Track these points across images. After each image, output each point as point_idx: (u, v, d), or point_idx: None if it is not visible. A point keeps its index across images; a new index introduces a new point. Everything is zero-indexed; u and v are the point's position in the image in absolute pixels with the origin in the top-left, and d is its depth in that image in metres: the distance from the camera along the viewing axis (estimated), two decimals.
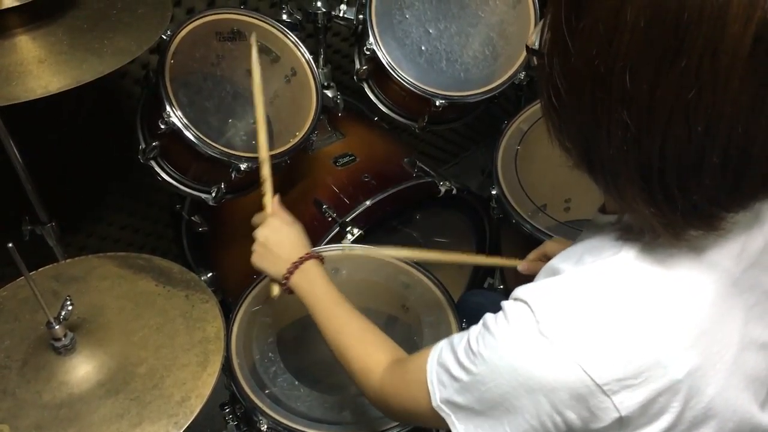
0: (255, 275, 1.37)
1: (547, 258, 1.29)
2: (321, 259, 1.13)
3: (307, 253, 1.10)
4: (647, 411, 0.67)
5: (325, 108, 1.64)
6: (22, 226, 1.48)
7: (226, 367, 1.21)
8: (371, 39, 1.55)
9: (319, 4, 1.64)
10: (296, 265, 1.08)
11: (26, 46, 1.14)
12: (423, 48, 1.64)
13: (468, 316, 1.33)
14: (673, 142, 0.58)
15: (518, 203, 1.57)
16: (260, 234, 1.13)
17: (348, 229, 1.50)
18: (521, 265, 1.28)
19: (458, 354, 0.75)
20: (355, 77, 1.67)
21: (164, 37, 1.33)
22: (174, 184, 1.48)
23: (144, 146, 1.43)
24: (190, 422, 0.93)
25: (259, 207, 1.20)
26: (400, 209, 1.61)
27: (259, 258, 1.13)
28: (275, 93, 1.58)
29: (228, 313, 1.22)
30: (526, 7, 1.62)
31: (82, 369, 0.99)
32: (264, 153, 1.22)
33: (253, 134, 1.50)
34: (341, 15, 1.65)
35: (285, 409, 1.19)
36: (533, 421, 0.69)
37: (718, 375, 0.68)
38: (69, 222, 1.71)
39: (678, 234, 0.65)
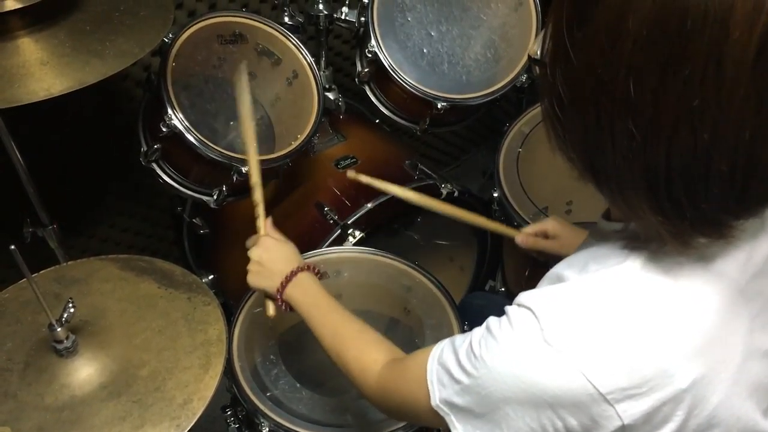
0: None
1: (546, 235, 1.29)
2: (315, 271, 1.13)
3: (298, 266, 1.11)
4: (651, 420, 0.66)
5: (326, 110, 1.65)
6: (24, 229, 1.48)
7: (228, 370, 1.21)
8: (373, 41, 1.55)
9: (320, 6, 1.64)
10: (289, 278, 1.09)
11: (29, 48, 1.14)
12: (425, 50, 1.64)
13: (469, 319, 1.33)
14: (680, 150, 0.58)
15: (520, 206, 1.57)
16: (254, 253, 1.14)
17: (349, 231, 1.50)
18: (519, 237, 1.30)
19: (460, 356, 0.75)
20: (356, 80, 1.67)
21: (166, 40, 1.34)
22: (175, 187, 1.48)
23: (145, 149, 1.43)
24: (192, 425, 0.93)
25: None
26: (401, 212, 1.61)
27: (254, 276, 1.13)
28: (277, 96, 1.58)
29: (229, 315, 1.22)
30: (528, 10, 1.62)
31: (84, 371, 0.99)
32: (256, 177, 1.23)
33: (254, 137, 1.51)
34: (343, 17, 1.65)
35: (286, 412, 1.19)
36: (533, 425, 0.69)
37: (722, 384, 0.68)
38: (70, 224, 1.71)
39: (686, 242, 0.64)
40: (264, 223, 1.20)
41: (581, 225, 1.35)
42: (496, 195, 1.62)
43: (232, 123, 1.53)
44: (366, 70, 1.62)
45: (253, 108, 1.27)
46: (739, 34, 0.53)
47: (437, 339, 1.31)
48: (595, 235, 0.80)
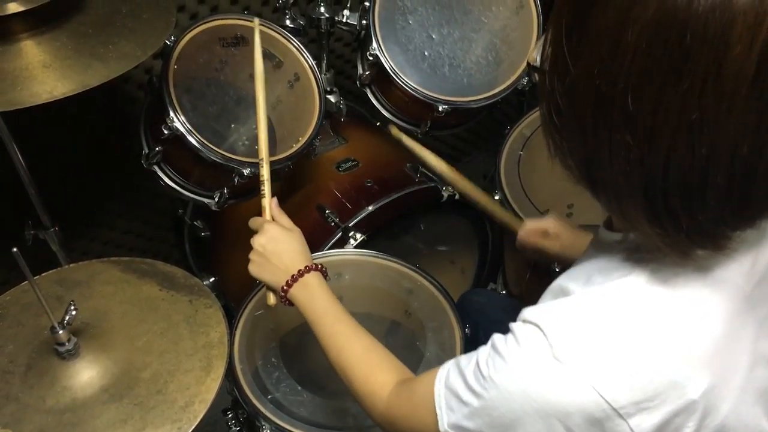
0: (257, 281, 1.37)
1: (545, 234, 1.29)
2: (323, 270, 1.09)
3: (306, 266, 1.06)
4: None
5: (327, 113, 1.65)
6: (25, 231, 1.48)
7: (229, 372, 1.21)
8: (374, 44, 1.55)
9: (322, 9, 1.64)
10: (295, 278, 1.04)
11: (31, 51, 1.15)
12: (426, 53, 1.64)
13: (469, 316, 1.32)
14: (677, 163, 0.57)
15: (521, 208, 1.57)
16: (257, 242, 1.08)
17: (350, 234, 1.50)
18: (520, 232, 1.31)
19: (467, 378, 0.74)
20: (357, 82, 1.67)
21: (168, 43, 1.34)
22: (177, 189, 1.48)
23: (147, 151, 1.43)
24: (193, 428, 0.93)
25: (261, 212, 1.16)
26: (402, 214, 1.61)
27: (256, 268, 1.08)
28: (278, 98, 1.59)
29: (230, 318, 1.22)
30: (529, 13, 1.63)
31: (86, 374, 0.99)
32: (264, 153, 1.16)
33: (257, 139, 1.51)
34: (344, 20, 1.65)
35: (288, 415, 1.19)
36: None
37: (731, 392, 0.68)
38: (71, 227, 1.71)
39: (684, 253, 0.64)
40: (269, 204, 1.14)
41: (582, 228, 1.35)
42: (497, 198, 1.62)
43: (233, 126, 1.53)
44: (367, 72, 1.62)
45: (265, 74, 1.21)
46: (739, 49, 0.52)
47: (439, 342, 1.33)
48: (596, 245, 0.80)
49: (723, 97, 0.54)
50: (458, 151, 2.75)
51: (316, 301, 1.03)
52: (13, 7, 1.13)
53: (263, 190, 1.14)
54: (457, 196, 1.61)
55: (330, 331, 1.00)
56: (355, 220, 1.53)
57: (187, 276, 1.17)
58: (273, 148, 1.56)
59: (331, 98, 1.68)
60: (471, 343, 1.28)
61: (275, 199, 1.14)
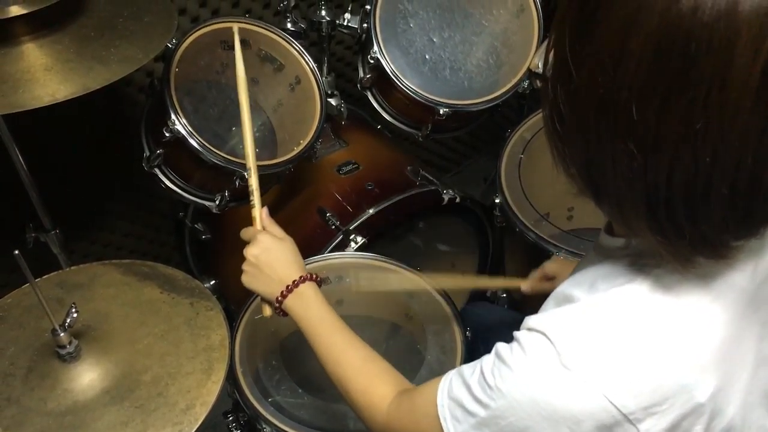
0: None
1: (548, 278, 1.29)
2: (317, 280, 1.07)
3: (300, 276, 1.04)
4: None
5: (328, 116, 1.65)
6: (26, 233, 1.48)
7: (230, 375, 1.21)
8: (375, 47, 1.56)
9: (323, 12, 1.64)
10: (290, 289, 1.03)
11: (33, 53, 1.15)
12: (427, 56, 1.65)
13: (470, 327, 1.32)
14: (680, 172, 0.57)
15: (522, 212, 1.57)
16: (250, 253, 1.06)
17: (351, 237, 1.50)
18: (524, 286, 1.29)
19: (472, 388, 0.73)
20: (358, 85, 1.67)
21: (169, 46, 1.34)
22: (178, 192, 1.48)
23: (148, 154, 1.43)
24: (194, 430, 0.93)
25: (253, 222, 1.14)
26: (403, 217, 1.61)
27: (250, 279, 1.07)
28: (279, 101, 1.59)
29: (231, 320, 1.22)
30: (530, 16, 1.63)
31: (87, 376, 0.99)
32: (251, 162, 1.13)
33: (258, 143, 1.51)
34: (345, 24, 1.65)
35: (288, 417, 1.19)
36: None
37: (737, 394, 0.68)
38: (72, 229, 1.71)
39: (686, 261, 0.64)
40: (260, 214, 1.11)
41: (583, 231, 1.36)
42: (497, 201, 1.62)
43: (234, 128, 1.54)
44: (368, 76, 1.62)
45: (247, 83, 1.18)
46: (743, 59, 0.52)
47: (440, 345, 1.33)
48: (598, 250, 0.79)
49: (727, 107, 0.54)
50: (459, 154, 2.75)
51: (312, 311, 1.02)
52: (15, 10, 1.13)
53: (252, 200, 1.12)
54: (457, 200, 1.61)
55: (327, 342, 0.99)
56: (356, 223, 1.53)
57: (188, 278, 1.17)
58: (274, 150, 1.56)
59: (332, 101, 1.68)
60: (471, 352, 1.28)
61: (266, 209, 1.12)
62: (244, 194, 1.51)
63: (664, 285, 0.67)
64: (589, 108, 0.60)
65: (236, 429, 1.30)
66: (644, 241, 0.66)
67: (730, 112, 0.54)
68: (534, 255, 1.52)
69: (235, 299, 1.75)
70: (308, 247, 1.45)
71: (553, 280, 1.29)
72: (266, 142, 1.59)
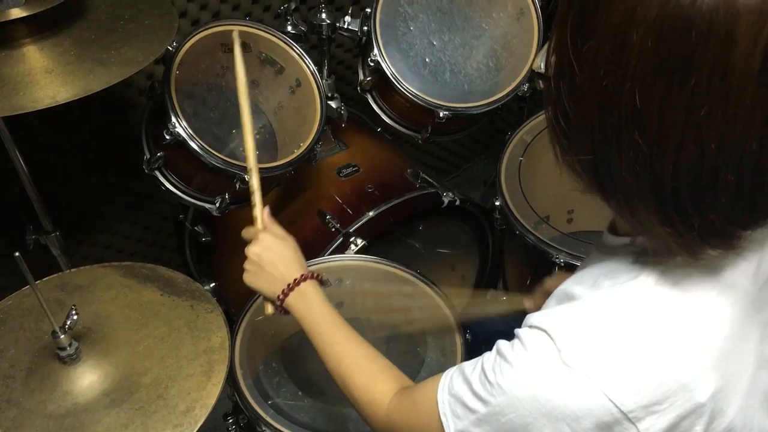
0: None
1: (549, 293, 1.29)
2: (319, 278, 1.07)
3: (302, 275, 1.04)
4: None
5: (328, 119, 1.65)
6: (27, 236, 1.48)
7: (230, 378, 1.21)
8: (375, 50, 1.56)
9: (323, 15, 1.64)
10: (291, 287, 1.03)
11: (34, 56, 1.15)
12: (427, 60, 1.65)
13: (470, 328, 1.32)
14: (687, 161, 0.58)
15: (522, 214, 1.57)
16: (251, 252, 1.06)
17: (351, 239, 1.50)
18: (528, 304, 1.27)
19: (473, 384, 0.73)
20: (358, 88, 1.68)
21: (170, 48, 1.34)
22: (178, 194, 1.48)
23: (149, 156, 1.43)
24: None
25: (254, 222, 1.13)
26: (403, 220, 1.61)
27: (251, 277, 1.07)
28: (279, 104, 1.59)
29: (231, 323, 1.22)
30: (530, 19, 1.63)
31: (87, 378, 0.99)
32: (252, 162, 1.13)
33: (258, 145, 1.51)
34: (345, 27, 1.65)
35: (288, 420, 1.19)
36: None
37: (737, 395, 0.68)
38: (72, 231, 1.71)
39: (695, 253, 0.64)
40: (261, 214, 1.11)
41: (583, 234, 1.36)
42: (497, 203, 1.62)
43: (234, 131, 1.54)
44: (368, 78, 1.63)
45: (248, 85, 1.17)
46: (744, 45, 0.53)
47: (440, 347, 1.33)
48: (602, 248, 0.79)
49: (730, 93, 0.54)
50: (459, 157, 2.76)
51: (313, 309, 1.02)
52: (16, 13, 1.13)
53: (253, 200, 1.12)
54: (457, 202, 1.61)
55: (328, 340, 0.99)
56: (356, 226, 1.53)
57: (188, 281, 1.18)
58: (274, 153, 1.56)
59: (333, 104, 1.68)
60: (471, 355, 1.28)
61: (267, 209, 1.12)
62: (244, 197, 1.50)
63: (670, 279, 0.68)
64: (593, 101, 0.61)
65: (236, 431, 1.30)
66: (652, 235, 0.67)
67: (733, 98, 0.54)
68: (534, 257, 1.53)
69: (235, 302, 1.75)
70: (308, 250, 1.45)
71: None
72: (266, 144, 1.59)
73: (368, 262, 1.43)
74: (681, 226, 0.62)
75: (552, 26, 0.66)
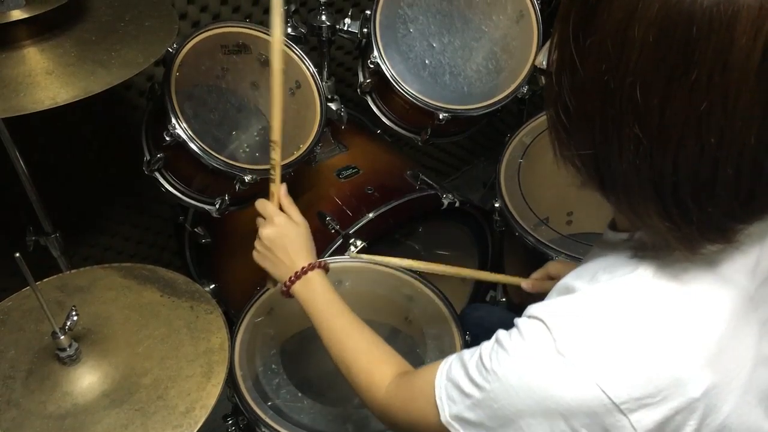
0: (258, 287, 1.37)
1: (550, 277, 1.29)
2: (326, 268, 1.09)
3: (310, 264, 1.05)
4: (663, 429, 0.66)
5: (328, 120, 1.65)
6: (27, 237, 1.49)
7: (229, 379, 1.21)
8: (375, 52, 1.56)
9: (323, 17, 1.65)
10: (299, 275, 1.05)
11: (34, 57, 1.15)
12: (427, 62, 1.65)
13: (469, 330, 1.32)
14: (686, 155, 0.58)
15: (521, 216, 1.57)
16: (264, 234, 1.07)
17: (351, 241, 1.50)
18: (525, 283, 1.28)
19: (469, 370, 0.75)
20: (358, 90, 1.68)
21: (170, 50, 1.34)
22: (178, 196, 1.48)
23: (149, 158, 1.43)
24: None
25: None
26: (403, 222, 1.61)
27: (260, 258, 1.09)
28: None
29: (231, 324, 1.22)
30: (530, 22, 1.63)
31: (87, 379, 0.99)
32: (277, 135, 1.09)
33: (258, 147, 1.52)
34: (345, 28, 1.66)
35: (288, 421, 1.19)
36: None
37: (733, 393, 0.68)
38: (72, 233, 1.71)
39: (694, 248, 0.65)
40: (278, 190, 1.11)
41: (582, 236, 1.36)
42: (497, 205, 1.62)
43: (234, 132, 1.54)
44: (368, 80, 1.63)
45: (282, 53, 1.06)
46: (744, 40, 0.53)
47: (439, 349, 1.33)
48: (602, 244, 0.80)
49: (729, 88, 0.55)
50: (458, 159, 2.76)
51: (318, 296, 1.04)
52: (17, 14, 1.14)
53: (273, 174, 1.10)
54: (457, 204, 1.61)
55: (332, 325, 1.01)
56: (356, 227, 1.54)
57: (188, 282, 1.18)
58: None
59: (332, 106, 1.69)
60: None
61: (284, 186, 1.12)
62: (244, 198, 1.51)
63: (667, 273, 0.68)
64: (594, 96, 0.62)
65: None
66: (649, 231, 0.67)
67: (733, 93, 0.55)
68: (533, 259, 1.53)
69: (235, 303, 1.75)
70: None
71: (554, 280, 1.29)
72: (266, 145, 1.58)
73: (368, 263, 1.43)
74: (680, 220, 0.63)
75: (554, 22, 0.67)
